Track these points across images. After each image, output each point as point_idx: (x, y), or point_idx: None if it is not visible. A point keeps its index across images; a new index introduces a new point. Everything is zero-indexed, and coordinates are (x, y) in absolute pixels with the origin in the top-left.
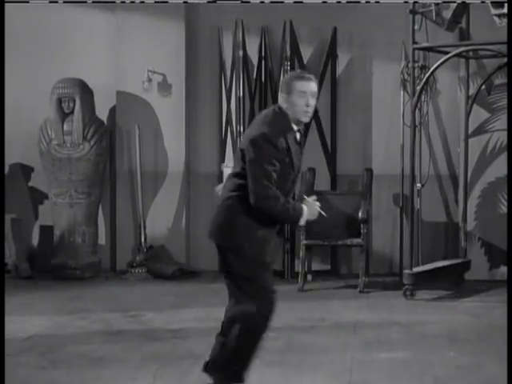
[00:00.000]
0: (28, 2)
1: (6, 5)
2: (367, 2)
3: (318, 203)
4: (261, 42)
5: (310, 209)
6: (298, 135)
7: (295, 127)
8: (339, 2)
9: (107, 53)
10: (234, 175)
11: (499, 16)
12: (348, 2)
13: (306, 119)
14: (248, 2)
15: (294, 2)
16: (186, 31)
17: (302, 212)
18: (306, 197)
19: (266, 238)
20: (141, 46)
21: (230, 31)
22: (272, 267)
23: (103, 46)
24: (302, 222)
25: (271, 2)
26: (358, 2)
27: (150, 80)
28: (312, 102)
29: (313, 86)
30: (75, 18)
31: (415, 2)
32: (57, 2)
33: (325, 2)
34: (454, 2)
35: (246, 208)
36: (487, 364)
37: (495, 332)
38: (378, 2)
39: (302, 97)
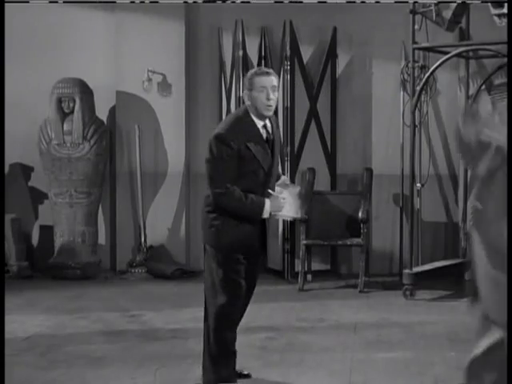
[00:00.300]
0: (28, 2)
1: (6, 5)
2: (362, 2)
3: (284, 197)
4: (261, 42)
5: (274, 202)
6: (264, 132)
7: (260, 123)
8: (337, 3)
9: (107, 53)
10: None
11: (499, 16)
12: (348, 2)
13: (268, 113)
14: (248, 2)
15: (294, 2)
16: (185, 31)
17: (263, 206)
18: (270, 191)
19: (235, 231)
20: (141, 45)
21: (230, 31)
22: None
23: (103, 45)
24: (266, 215)
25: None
26: (357, 2)
27: (149, 80)
28: (273, 95)
29: (272, 80)
30: (75, 17)
31: (415, 2)
32: (57, 2)
33: (324, 2)
34: (454, 2)
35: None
36: None
37: None
38: (378, 2)
39: (262, 91)
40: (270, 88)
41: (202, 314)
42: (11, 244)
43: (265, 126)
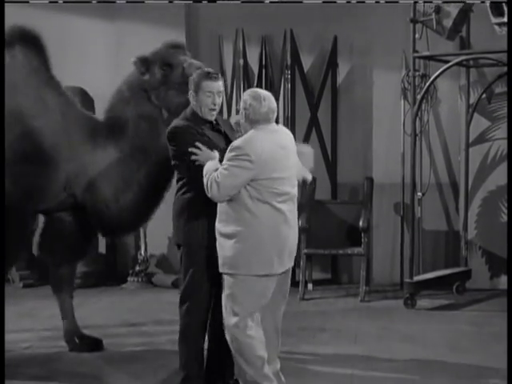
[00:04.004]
0: (28, 2)
1: (6, 13)
2: (361, 2)
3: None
4: (261, 51)
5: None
6: (214, 124)
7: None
8: (338, 12)
9: (107, 61)
10: None
11: (499, 25)
12: (348, 4)
13: (211, 118)
14: (249, 4)
15: (296, 3)
16: (186, 40)
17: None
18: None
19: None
20: (141, 54)
21: (231, 40)
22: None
23: (104, 54)
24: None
25: (272, 1)
26: (361, 2)
27: None
28: (218, 100)
29: (219, 85)
30: (75, 26)
31: (415, 6)
32: (57, 2)
33: (327, 4)
34: (455, 2)
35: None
36: (488, 373)
37: (496, 341)
38: (378, 2)
39: (209, 96)
40: (217, 94)
41: None
42: None
43: (211, 122)
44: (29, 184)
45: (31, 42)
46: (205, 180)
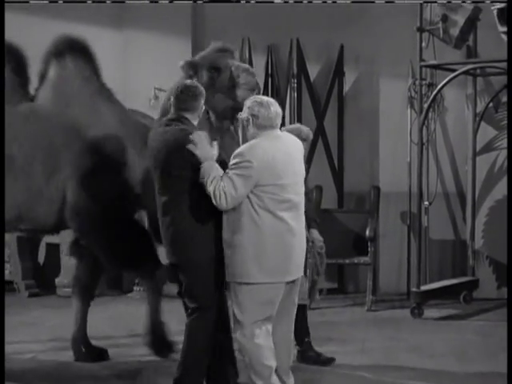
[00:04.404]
0: (28, 2)
1: (14, 22)
2: (372, 1)
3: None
4: (267, 60)
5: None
6: None
7: None
8: (345, 21)
9: (114, 70)
10: None
11: (506, 33)
12: (354, 10)
13: None
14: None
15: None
16: (192, 49)
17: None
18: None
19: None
20: (148, 64)
21: (237, 49)
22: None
23: (110, 63)
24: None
25: (281, 3)
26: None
27: (156, 98)
28: None
29: None
30: (82, 35)
31: (422, 14)
32: (56, 2)
33: (334, 13)
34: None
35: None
36: (495, 383)
37: (503, 351)
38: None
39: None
40: None
41: None
42: (17, 262)
43: None
44: (110, 192)
45: (80, 51)
46: (211, 188)
